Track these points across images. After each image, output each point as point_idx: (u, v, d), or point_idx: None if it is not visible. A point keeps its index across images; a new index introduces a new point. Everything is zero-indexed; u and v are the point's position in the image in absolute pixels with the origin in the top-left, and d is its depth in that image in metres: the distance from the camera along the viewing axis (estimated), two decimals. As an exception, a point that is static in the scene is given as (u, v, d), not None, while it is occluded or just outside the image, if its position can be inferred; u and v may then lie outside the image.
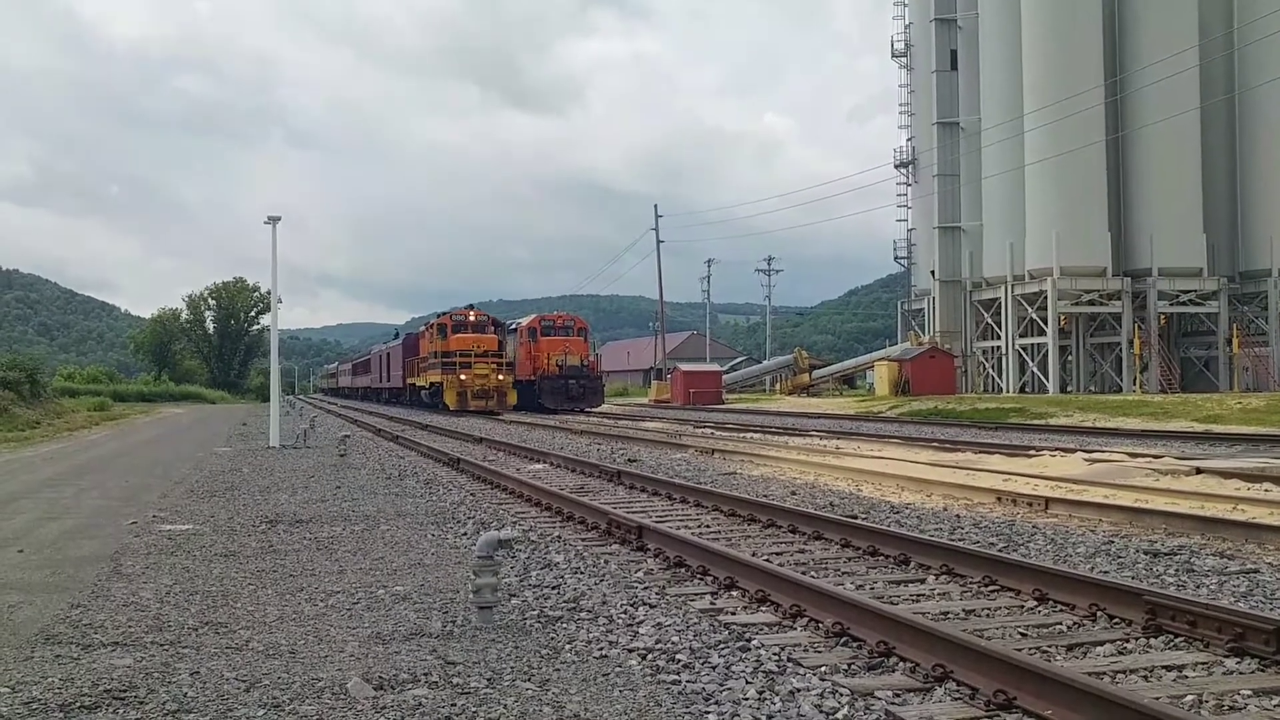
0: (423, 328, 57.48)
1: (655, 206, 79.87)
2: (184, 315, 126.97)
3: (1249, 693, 5.25)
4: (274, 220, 27.13)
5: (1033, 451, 19.64)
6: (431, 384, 49.66)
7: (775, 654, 6.00)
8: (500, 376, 47.38)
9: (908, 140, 71.46)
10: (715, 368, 72.22)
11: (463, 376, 46.38)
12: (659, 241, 78.14)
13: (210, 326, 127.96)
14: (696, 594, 7.74)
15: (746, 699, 5.21)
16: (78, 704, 5.23)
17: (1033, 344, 57.63)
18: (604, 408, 51.21)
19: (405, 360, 58.44)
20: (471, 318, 50.21)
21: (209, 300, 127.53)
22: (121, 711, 5.12)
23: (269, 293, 29.62)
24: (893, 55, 72.79)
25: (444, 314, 52.07)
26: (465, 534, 10.77)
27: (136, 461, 22.41)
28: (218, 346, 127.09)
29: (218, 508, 13.43)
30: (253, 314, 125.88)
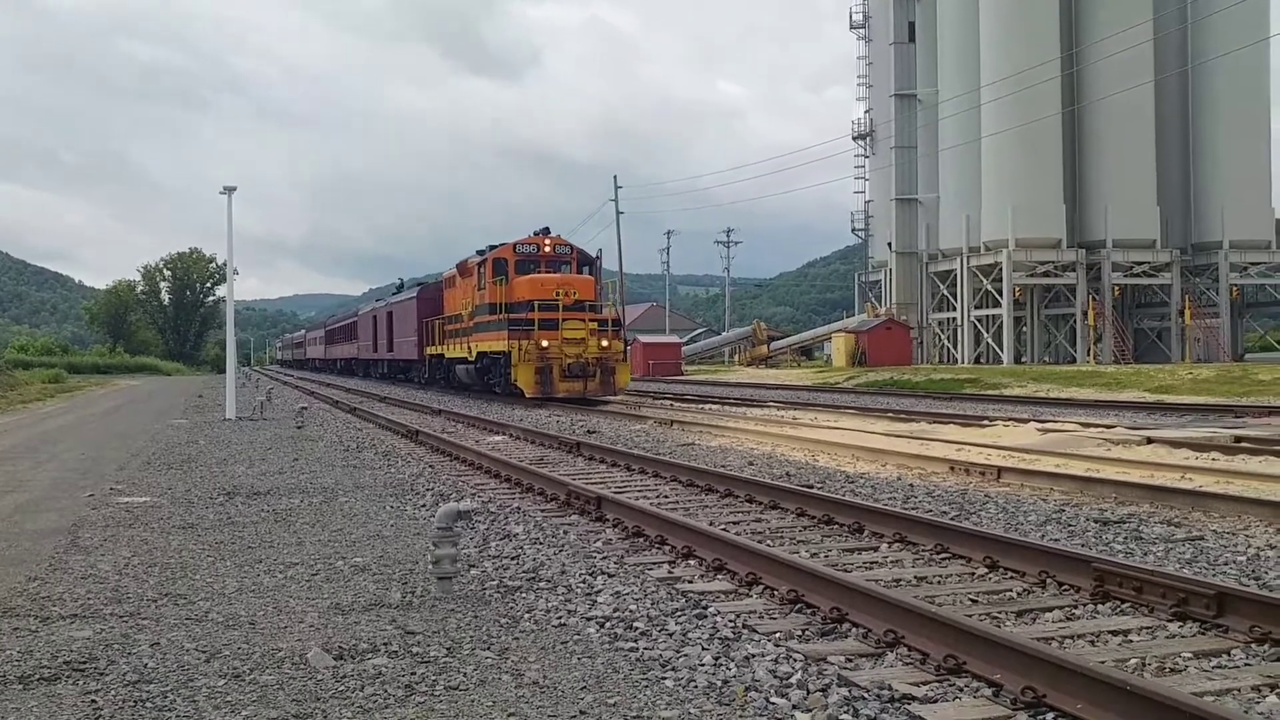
0: (452, 270, 37.62)
1: (615, 177, 79.46)
2: (139, 286, 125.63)
3: (1189, 655, 5.41)
4: (229, 190, 26.92)
5: (986, 421, 19.86)
6: (482, 355, 32.90)
7: (731, 621, 6.09)
8: (605, 342, 30.54)
9: (866, 112, 71.61)
10: (675, 339, 72.25)
11: (544, 343, 29.62)
12: (619, 212, 77.72)
13: (165, 298, 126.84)
14: (654, 563, 7.82)
15: (703, 665, 5.29)
16: (37, 676, 5.23)
17: (988, 315, 58.13)
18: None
19: (423, 321, 41.22)
20: (547, 247, 32.50)
21: (164, 271, 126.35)
22: (81, 683, 5.12)
23: (225, 263, 29.25)
24: (851, 27, 72.82)
25: (496, 246, 33.06)
26: (424, 505, 10.79)
27: (92, 434, 22.20)
28: (173, 318, 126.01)
29: (175, 480, 13.36)
30: (208, 285, 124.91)
